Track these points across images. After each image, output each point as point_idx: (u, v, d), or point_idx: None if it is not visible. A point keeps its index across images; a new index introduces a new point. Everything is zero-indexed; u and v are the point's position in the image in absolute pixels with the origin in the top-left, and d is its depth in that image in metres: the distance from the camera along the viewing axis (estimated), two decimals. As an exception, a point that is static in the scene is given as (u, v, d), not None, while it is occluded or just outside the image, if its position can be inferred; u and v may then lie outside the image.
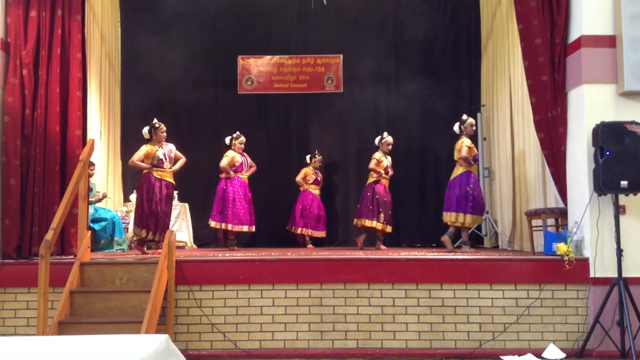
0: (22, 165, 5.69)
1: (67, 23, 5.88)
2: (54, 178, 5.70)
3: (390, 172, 7.71)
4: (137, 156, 6.46)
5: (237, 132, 7.67)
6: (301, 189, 8.58)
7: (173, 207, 7.12)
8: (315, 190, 8.59)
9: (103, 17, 8.36)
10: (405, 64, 9.33)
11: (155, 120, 6.64)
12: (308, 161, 8.71)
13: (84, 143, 5.78)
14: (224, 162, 7.46)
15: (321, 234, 8.50)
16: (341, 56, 9.36)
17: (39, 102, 5.74)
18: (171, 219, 6.73)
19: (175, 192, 7.46)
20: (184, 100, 9.27)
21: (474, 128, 6.97)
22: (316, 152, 8.74)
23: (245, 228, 7.43)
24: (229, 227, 7.37)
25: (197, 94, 9.29)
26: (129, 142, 9.20)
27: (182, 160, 6.74)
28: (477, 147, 8.14)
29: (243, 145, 7.62)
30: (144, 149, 6.48)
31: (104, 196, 7.79)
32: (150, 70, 9.20)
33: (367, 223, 7.48)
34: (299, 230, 8.40)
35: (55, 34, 5.82)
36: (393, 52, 9.40)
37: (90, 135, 6.94)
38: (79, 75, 5.89)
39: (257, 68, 9.37)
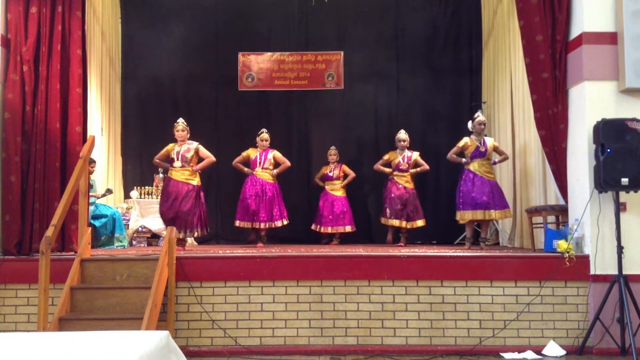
0: (23, 162, 5.69)
1: (67, 19, 5.88)
2: (54, 174, 5.70)
3: (405, 166, 7.71)
4: (158, 154, 6.81)
5: (263, 129, 7.66)
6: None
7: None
8: (329, 186, 8.44)
9: (103, 14, 8.35)
10: (406, 60, 9.32)
11: (179, 119, 6.81)
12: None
13: (85, 139, 5.78)
14: (234, 160, 7.56)
15: (341, 229, 8.31)
16: (342, 53, 9.35)
17: (40, 98, 5.74)
18: (194, 217, 6.53)
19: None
20: (184, 97, 9.27)
21: (482, 126, 6.94)
22: (331, 147, 8.64)
23: (253, 225, 7.31)
24: (239, 224, 7.34)
25: (197, 90, 9.28)
26: (130, 138, 9.22)
27: (206, 160, 6.75)
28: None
29: (264, 142, 7.53)
30: (166, 147, 6.77)
31: (109, 192, 7.77)
32: (150, 66, 9.19)
33: (382, 220, 7.79)
34: (320, 229, 8.35)
35: (56, 30, 5.82)
36: (394, 49, 9.38)
37: (91, 131, 6.94)
38: (79, 72, 5.89)
39: (258, 65, 9.35)
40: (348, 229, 8.29)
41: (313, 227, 8.42)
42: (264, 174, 7.42)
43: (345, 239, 8.47)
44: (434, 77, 9.27)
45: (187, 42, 9.16)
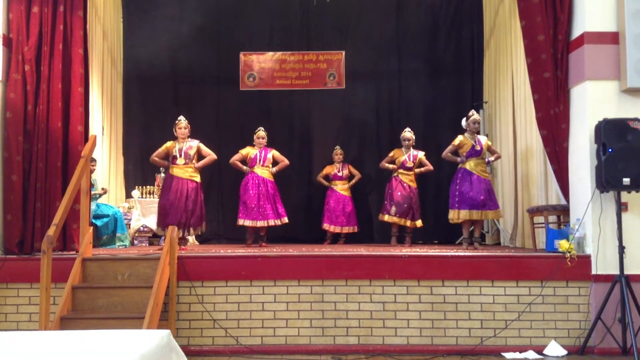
0: (25, 161, 5.70)
1: (69, 19, 5.89)
2: (56, 174, 5.71)
3: (411, 164, 7.78)
4: (156, 152, 6.69)
5: (260, 127, 7.63)
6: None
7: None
8: (337, 187, 8.49)
9: (105, 13, 8.36)
10: (408, 60, 9.32)
11: (180, 117, 6.77)
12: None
13: (86, 139, 5.80)
14: (232, 159, 7.50)
15: (350, 229, 8.40)
16: (343, 52, 9.35)
17: (41, 97, 5.75)
18: (196, 214, 6.55)
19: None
20: (185, 97, 9.27)
21: (477, 125, 6.97)
22: (336, 146, 8.69)
23: (258, 223, 7.27)
24: (247, 223, 7.25)
25: (199, 90, 9.29)
26: (131, 138, 9.22)
27: (208, 157, 6.75)
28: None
29: (261, 140, 7.52)
30: (165, 145, 6.67)
31: (104, 191, 7.79)
32: (152, 66, 9.19)
33: (386, 218, 7.72)
34: (331, 228, 8.36)
35: (57, 30, 5.83)
36: (395, 49, 9.38)
37: (92, 131, 6.94)
38: (80, 71, 5.90)
39: (259, 64, 9.36)
40: (356, 229, 8.44)
41: (325, 227, 8.42)
42: (264, 172, 7.43)
43: (349, 239, 8.50)
44: (435, 77, 9.27)
45: (188, 42, 9.16)
